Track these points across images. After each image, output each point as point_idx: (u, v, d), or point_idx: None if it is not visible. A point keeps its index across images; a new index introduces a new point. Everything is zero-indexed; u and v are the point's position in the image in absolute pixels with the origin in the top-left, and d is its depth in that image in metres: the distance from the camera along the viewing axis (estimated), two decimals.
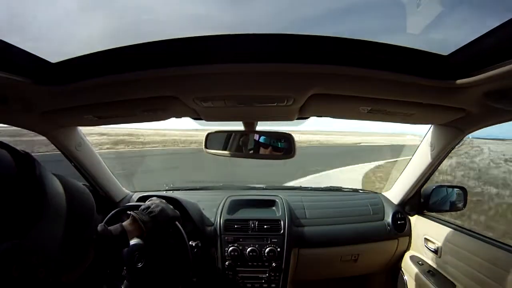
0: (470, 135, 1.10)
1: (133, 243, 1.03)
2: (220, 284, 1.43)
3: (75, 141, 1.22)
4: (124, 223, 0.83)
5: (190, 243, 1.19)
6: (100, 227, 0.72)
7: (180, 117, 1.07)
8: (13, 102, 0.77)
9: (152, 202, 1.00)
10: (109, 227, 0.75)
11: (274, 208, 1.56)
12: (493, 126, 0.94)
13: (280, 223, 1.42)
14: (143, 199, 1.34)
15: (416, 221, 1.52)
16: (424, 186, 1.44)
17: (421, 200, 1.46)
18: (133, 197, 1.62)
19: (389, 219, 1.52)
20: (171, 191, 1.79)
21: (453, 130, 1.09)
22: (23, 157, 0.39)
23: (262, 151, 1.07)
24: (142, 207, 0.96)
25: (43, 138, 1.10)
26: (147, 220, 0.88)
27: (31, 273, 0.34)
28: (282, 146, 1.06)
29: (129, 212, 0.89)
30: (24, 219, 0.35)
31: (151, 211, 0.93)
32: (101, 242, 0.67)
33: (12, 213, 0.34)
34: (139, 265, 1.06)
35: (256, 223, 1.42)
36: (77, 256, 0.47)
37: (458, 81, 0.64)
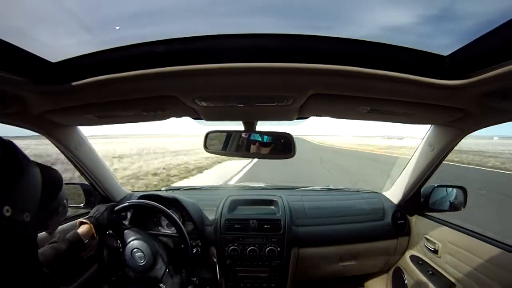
0: None
1: (128, 244, 1.18)
2: (220, 283, 1.43)
3: (75, 140, 1.23)
4: (78, 230, 1.01)
5: (190, 242, 1.21)
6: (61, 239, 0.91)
7: (180, 117, 1.07)
8: (13, 102, 0.77)
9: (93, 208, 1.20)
10: (66, 236, 0.93)
11: (274, 207, 1.56)
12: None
13: (280, 223, 1.42)
14: (143, 198, 1.36)
15: (416, 220, 1.52)
16: (424, 186, 1.44)
17: (421, 200, 1.46)
18: (133, 196, 1.62)
19: (389, 218, 1.52)
20: (171, 191, 1.79)
21: (453, 130, 1.09)
22: (6, 144, 0.50)
23: (261, 150, 1.08)
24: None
25: None
26: (90, 216, 1.10)
27: (18, 215, 0.46)
28: (282, 145, 1.06)
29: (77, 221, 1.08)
30: (7, 181, 0.46)
31: (92, 212, 1.15)
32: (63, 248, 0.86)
33: None
34: (142, 262, 1.10)
35: (256, 222, 1.42)
36: (48, 216, 0.64)
37: (458, 82, 0.63)
